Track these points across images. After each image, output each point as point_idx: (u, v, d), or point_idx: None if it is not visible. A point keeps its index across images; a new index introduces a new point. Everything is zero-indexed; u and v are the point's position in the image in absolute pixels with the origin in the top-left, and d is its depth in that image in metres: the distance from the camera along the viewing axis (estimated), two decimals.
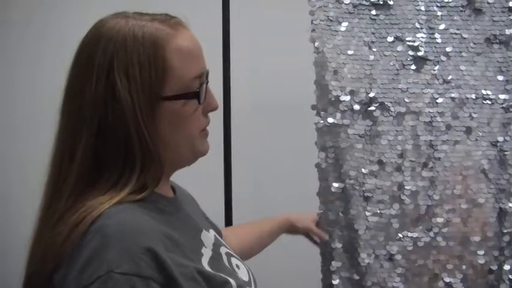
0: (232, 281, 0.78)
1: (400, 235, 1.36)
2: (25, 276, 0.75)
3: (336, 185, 1.37)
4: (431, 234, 1.35)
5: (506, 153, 1.36)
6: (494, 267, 1.36)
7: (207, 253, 0.81)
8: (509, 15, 1.37)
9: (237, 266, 0.89)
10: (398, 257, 1.35)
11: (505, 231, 1.35)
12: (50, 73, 1.94)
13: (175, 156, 0.81)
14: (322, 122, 1.37)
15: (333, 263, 1.38)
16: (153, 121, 0.75)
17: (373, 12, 1.38)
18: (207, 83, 0.82)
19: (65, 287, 0.68)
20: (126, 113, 0.74)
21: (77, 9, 1.91)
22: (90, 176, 0.75)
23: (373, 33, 1.38)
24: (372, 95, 1.37)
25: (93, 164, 0.75)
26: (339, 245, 1.38)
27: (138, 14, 0.80)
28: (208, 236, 0.89)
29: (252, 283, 0.90)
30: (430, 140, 1.36)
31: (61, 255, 0.70)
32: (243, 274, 0.89)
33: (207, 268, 0.77)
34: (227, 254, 0.90)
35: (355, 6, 1.37)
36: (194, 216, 0.91)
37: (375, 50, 1.37)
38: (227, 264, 0.86)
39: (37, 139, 2.07)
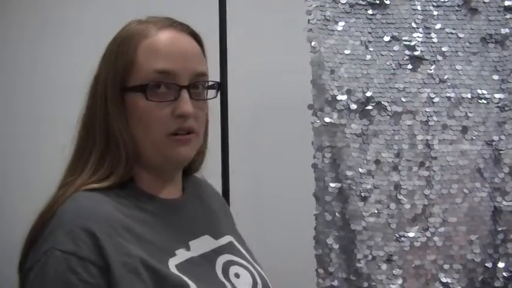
0: (193, 285, 0.77)
1: (397, 235, 1.36)
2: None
3: (333, 185, 1.37)
4: (428, 234, 1.36)
5: (501, 152, 1.37)
6: (489, 265, 1.37)
7: (184, 255, 0.81)
8: (505, 15, 1.38)
9: (236, 275, 0.87)
10: (396, 257, 1.36)
11: (499, 229, 1.36)
12: (49, 73, 1.93)
13: (148, 155, 0.81)
14: (318, 121, 1.37)
15: (331, 264, 1.38)
16: (121, 111, 0.79)
17: (370, 11, 1.38)
18: (185, 87, 0.79)
19: (27, 262, 0.75)
20: (97, 99, 0.80)
21: (77, 9, 1.89)
22: (76, 157, 0.82)
23: (369, 33, 1.38)
24: (368, 94, 1.37)
25: (78, 148, 0.82)
26: (335, 246, 1.39)
27: (152, 18, 0.84)
28: (209, 242, 0.88)
29: None
30: (427, 140, 1.37)
31: (34, 235, 0.77)
32: (242, 284, 0.86)
33: (170, 268, 0.77)
34: (227, 262, 0.88)
35: (351, 5, 1.37)
36: (199, 222, 0.90)
37: (371, 49, 1.37)
38: (220, 273, 0.84)
39: (37, 139, 2.07)
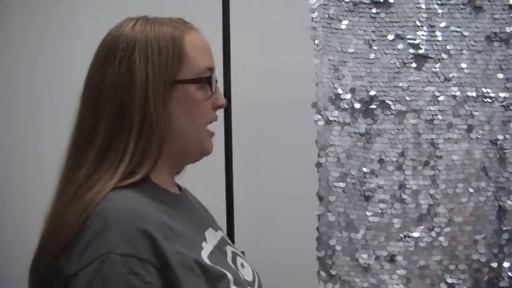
0: (229, 274, 0.79)
1: (401, 235, 1.35)
2: (37, 251, 0.77)
3: (336, 184, 1.36)
4: (433, 234, 1.35)
5: (506, 151, 1.35)
6: (494, 265, 1.35)
7: (207, 248, 0.83)
8: (510, 13, 1.37)
9: (242, 265, 0.90)
10: (400, 257, 1.35)
11: (504, 228, 1.35)
12: (49, 73, 1.92)
13: (181, 146, 0.83)
14: (322, 120, 1.36)
15: (333, 266, 1.36)
16: (164, 102, 0.80)
17: (374, 10, 1.37)
18: (216, 81, 0.87)
19: (68, 267, 0.71)
20: (137, 90, 0.78)
21: (79, 9, 1.89)
22: (106, 151, 0.78)
23: (373, 31, 1.37)
24: (372, 93, 1.36)
25: (109, 140, 0.79)
26: (338, 248, 1.37)
27: (157, 18, 0.86)
28: (214, 234, 0.90)
29: (256, 284, 0.91)
30: (432, 138, 1.36)
31: (69, 237, 0.73)
32: (247, 274, 0.89)
33: (206, 260, 0.78)
34: (233, 253, 0.91)
35: (355, 4, 1.37)
36: (201, 215, 0.93)
37: (375, 48, 1.37)
38: (230, 262, 0.87)
39: (37, 139, 2.07)
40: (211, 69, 0.86)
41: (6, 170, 1.97)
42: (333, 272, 1.36)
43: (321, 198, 1.37)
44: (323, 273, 1.37)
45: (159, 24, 0.83)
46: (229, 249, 0.91)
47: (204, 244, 0.82)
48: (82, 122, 0.82)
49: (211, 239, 0.87)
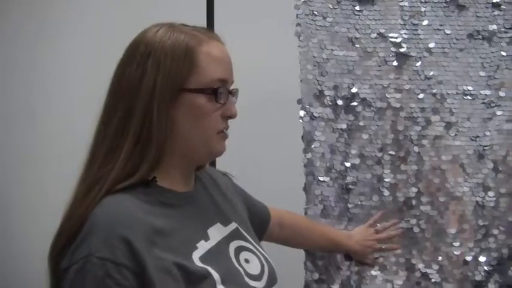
0: (216, 274, 0.84)
1: (379, 226, 1.39)
2: (54, 238, 0.85)
3: (321, 178, 1.39)
4: (409, 225, 1.39)
5: (485, 147, 1.37)
6: (469, 258, 1.38)
7: (204, 247, 0.88)
8: (493, 11, 1.37)
9: (246, 260, 0.94)
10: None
11: (481, 224, 1.37)
12: (49, 71, 1.93)
13: (188, 149, 0.89)
14: (307, 116, 1.39)
15: (319, 257, 1.41)
16: (168, 108, 0.84)
17: (357, 7, 1.38)
18: (230, 93, 0.91)
19: (63, 261, 0.80)
20: (143, 94, 0.84)
21: (76, 8, 1.89)
22: (112, 150, 0.85)
23: (356, 29, 1.39)
24: (354, 90, 1.39)
25: (114, 140, 0.85)
26: None
27: (182, 25, 0.91)
28: (221, 230, 0.95)
29: (264, 277, 0.95)
30: (410, 135, 1.38)
31: (71, 232, 0.81)
32: (253, 268, 0.93)
33: (195, 261, 0.84)
34: (238, 248, 0.95)
35: (339, 1, 1.38)
36: (210, 211, 0.97)
37: (358, 46, 1.38)
38: (233, 258, 0.92)
39: (36, 138, 2.06)
40: (223, 81, 0.89)
41: (5, 170, 1.98)
42: (319, 263, 1.41)
43: (307, 192, 1.40)
44: (309, 264, 1.41)
45: (179, 32, 0.87)
46: (234, 244, 0.95)
47: (201, 243, 0.88)
48: (101, 119, 0.88)
49: (215, 235, 0.92)
